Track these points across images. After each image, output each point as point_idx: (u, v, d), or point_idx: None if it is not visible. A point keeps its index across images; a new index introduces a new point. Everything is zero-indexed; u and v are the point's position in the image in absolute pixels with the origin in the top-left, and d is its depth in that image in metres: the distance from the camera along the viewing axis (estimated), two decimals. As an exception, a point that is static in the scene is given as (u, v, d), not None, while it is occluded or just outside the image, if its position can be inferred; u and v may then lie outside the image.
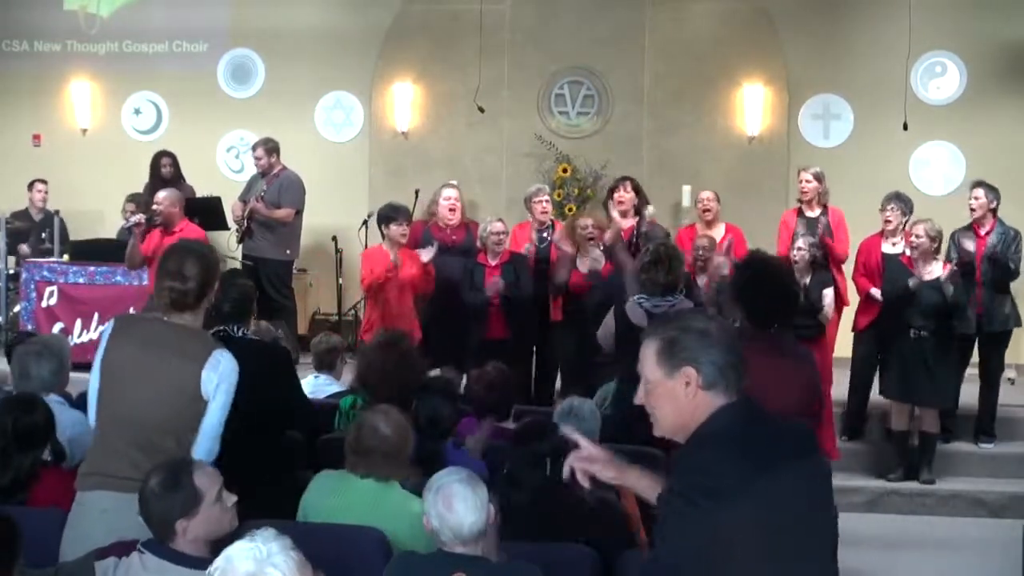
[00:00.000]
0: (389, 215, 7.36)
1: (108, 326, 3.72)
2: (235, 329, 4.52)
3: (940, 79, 10.21)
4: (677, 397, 2.53)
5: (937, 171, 10.08)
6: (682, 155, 10.31)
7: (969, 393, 7.65)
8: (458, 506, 3.20)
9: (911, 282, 7.08)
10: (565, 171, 10.18)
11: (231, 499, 3.25)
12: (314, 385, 6.06)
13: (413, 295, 7.35)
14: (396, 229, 7.30)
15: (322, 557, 2.83)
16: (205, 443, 3.60)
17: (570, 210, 9.85)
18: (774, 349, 3.99)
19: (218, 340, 3.81)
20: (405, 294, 7.29)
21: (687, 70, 10.34)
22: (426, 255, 7.29)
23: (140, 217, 7.83)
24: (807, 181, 7.85)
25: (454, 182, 8.16)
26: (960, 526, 6.93)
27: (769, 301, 4.08)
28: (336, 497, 3.84)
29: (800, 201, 7.97)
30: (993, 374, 7.65)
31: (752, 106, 10.30)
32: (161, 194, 8.03)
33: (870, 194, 8.13)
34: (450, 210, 7.77)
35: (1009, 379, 9.02)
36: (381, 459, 3.85)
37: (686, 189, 9.88)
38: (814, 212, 7.85)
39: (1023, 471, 7.40)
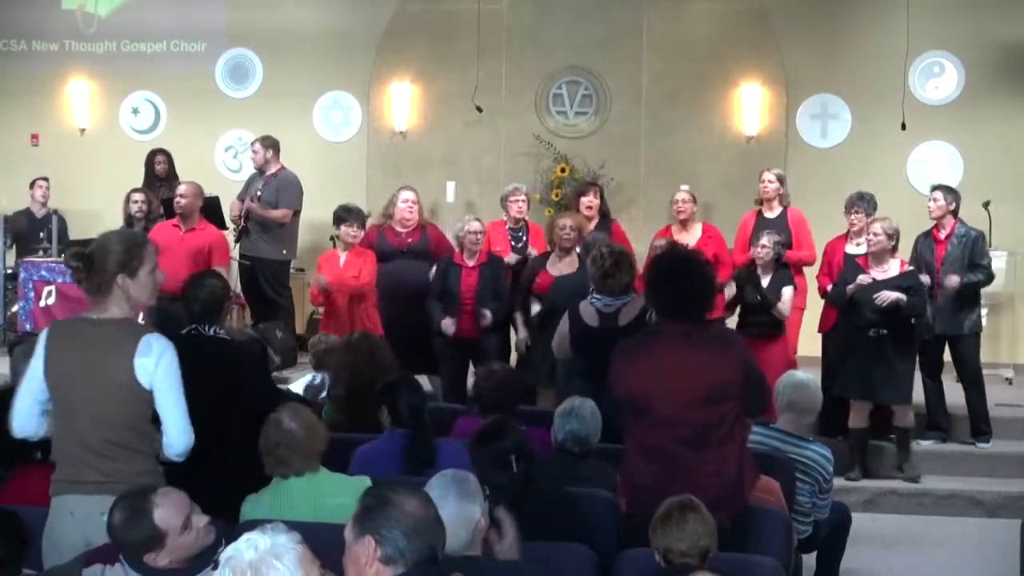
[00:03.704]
0: (341, 216, 7.56)
1: (43, 334, 3.65)
2: (206, 328, 4.56)
3: (938, 79, 10.21)
4: (359, 562, 2.58)
5: (935, 171, 10.05)
6: (680, 155, 10.32)
7: (957, 395, 7.62)
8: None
9: (848, 288, 7.00)
10: (563, 171, 10.18)
11: (201, 520, 3.19)
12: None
13: (370, 298, 7.51)
14: (346, 230, 7.51)
15: (326, 557, 2.83)
16: (173, 436, 3.53)
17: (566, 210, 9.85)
18: (686, 341, 4.08)
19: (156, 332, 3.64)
20: (354, 298, 7.47)
21: (685, 70, 10.35)
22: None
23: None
24: (769, 181, 7.89)
25: (411, 186, 8.18)
26: (957, 526, 6.93)
27: (681, 294, 4.13)
28: (277, 508, 3.78)
29: (759, 202, 7.98)
30: (970, 376, 7.52)
31: (750, 106, 10.31)
32: (184, 187, 7.83)
33: (867, 194, 8.11)
34: (408, 212, 7.79)
35: (1007, 379, 9.03)
36: (287, 452, 3.85)
37: (684, 189, 9.87)
38: (773, 212, 7.88)
39: (1020, 471, 7.40)
